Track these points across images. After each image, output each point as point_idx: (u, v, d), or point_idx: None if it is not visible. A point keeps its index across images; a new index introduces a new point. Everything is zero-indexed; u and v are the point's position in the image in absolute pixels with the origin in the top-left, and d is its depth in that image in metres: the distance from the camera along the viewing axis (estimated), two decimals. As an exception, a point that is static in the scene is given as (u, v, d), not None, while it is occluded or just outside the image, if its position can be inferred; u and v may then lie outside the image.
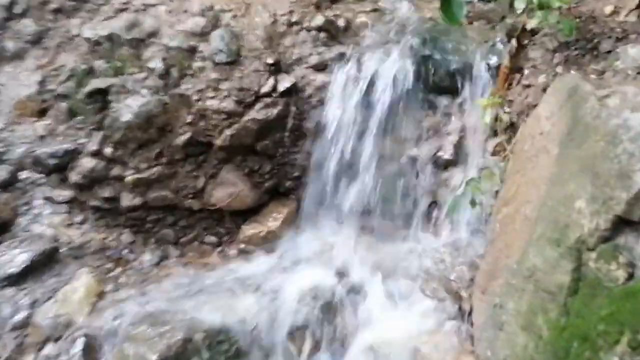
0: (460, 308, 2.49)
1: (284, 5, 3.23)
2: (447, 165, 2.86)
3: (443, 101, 2.93)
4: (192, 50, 3.07)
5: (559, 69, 2.49)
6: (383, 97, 2.97)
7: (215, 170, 3.12)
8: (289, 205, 3.16)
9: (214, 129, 3.02)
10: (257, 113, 2.99)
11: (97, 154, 3.04)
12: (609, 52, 2.37)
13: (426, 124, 2.95)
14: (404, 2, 3.38)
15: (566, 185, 1.89)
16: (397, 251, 2.89)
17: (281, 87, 3.01)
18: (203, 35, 3.11)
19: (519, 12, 2.56)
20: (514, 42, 2.73)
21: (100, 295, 2.80)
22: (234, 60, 3.04)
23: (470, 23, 3.14)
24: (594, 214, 1.72)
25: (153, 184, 3.07)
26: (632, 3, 2.52)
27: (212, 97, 3.01)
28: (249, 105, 3.00)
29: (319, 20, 3.13)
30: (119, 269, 3.01)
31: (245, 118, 2.99)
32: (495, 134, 2.71)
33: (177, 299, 2.75)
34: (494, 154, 2.72)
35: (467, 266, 2.50)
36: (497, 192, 2.59)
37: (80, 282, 2.81)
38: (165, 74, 3.03)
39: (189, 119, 3.02)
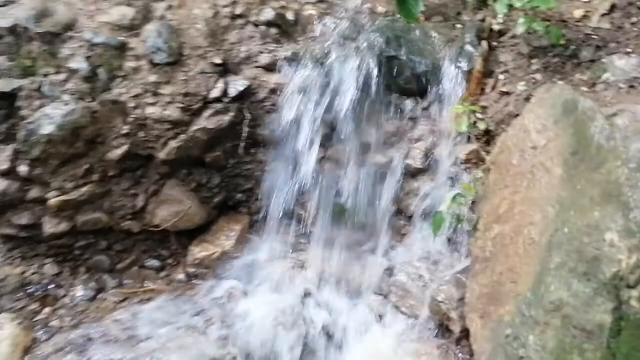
0: (447, 329, 2.37)
1: (225, -6, 2.85)
2: (416, 173, 2.70)
3: (409, 104, 2.76)
4: (122, 48, 2.63)
5: (538, 77, 2.41)
6: (344, 99, 2.74)
7: (156, 186, 2.73)
8: (241, 220, 2.86)
9: (156, 141, 2.62)
10: (207, 121, 2.63)
11: (8, 173, 2.53)
12: (592, 61, 2.32)
13: (392, 128, 2.77)
14: (351, -8, 3.13)
15: (588, 212, 1.80)
16: (367, 265, 2.72)
17: (233, 91, 2.67)
18: (133, 29, 2.67)
19: (500, 16, 2.42)
20: (484, 44, 2.61)
21: (30, 348, 2.35)
22: (176, 60, 2.64)
23: (427, 19, 2.97)
24: (632, 250, 1.65)
25: (82, 206, 2.62)
26: (602, 7, 2.49)
27: (152, 104, 2.60)
28: (197, 113, 2.64)
29: (268, 13, 2.81)
30: (47, 309, 2.56)
31: (194, 127, 2.62)
32: (468, 139, 2.59)
33: (127, 344, 2.37)
34: (466, 161, 2.61)
35: (454, 285, 2.37)
36: (473, 202, 2.49)
37: (2, 333, 2.34)
38: (91, 76, 2.56)
39: (125, 129, 2.59)
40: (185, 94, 2.61)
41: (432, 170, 2.69)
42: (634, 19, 2.37)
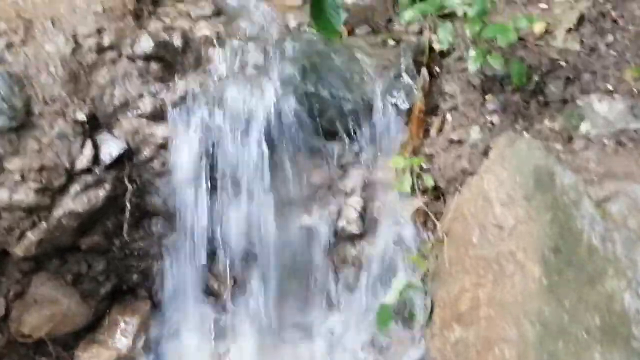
0: None
1: (87, 19, 2.16)
2: (352, 237, 2.17)
3: (336, 149, 2.20)
4: (-54, 109, 1.92)
5: (496, 120, 1.89)
6: (255, 149, 2.14)
7: (19, 286, 2.10)
8: (140, 308, 2.27)
9: (8, 234, 1.97)
10: (75, 202, 2.00)
11: None
12: (564, 101, 1.81)
13: (318, 179, 2.22)
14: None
15: (584, 352, 1.33)
16: (305, 354, 2.21)
17: (106, 157, 2.04)
18: (-40, 80, 1.95)
19: (444, 47, 1.86)
20: (425, 72, 2.05)
21: None
22: (24, 123, 1.97)
23: (351, 32, 2.38)
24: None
25: None
26: (567, 20, 1.96)
27: (-4, 186, 1.93)
28: (60, 192, 1.99)
29: (145, 42, 2.14)
30: None
31: (57, 212, 1.98)
32: (412, 191, 2.07)
33: None
34: (412, 221, 2.09)
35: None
36: (422, 278, 2.00)
37: None
38: None
39: (-39, 223, 1.92)
40: (41, 169, 1.95)
41: (371, 232, 2.16)
42: (609, 38, 1.87)
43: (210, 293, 2.33)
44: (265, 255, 2.24)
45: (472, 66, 1.74)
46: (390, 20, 2.44)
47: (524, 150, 1.68)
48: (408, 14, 1.85)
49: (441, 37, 1.82)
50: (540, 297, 1.49)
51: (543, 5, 2.11)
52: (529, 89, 1.87)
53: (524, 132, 1.76)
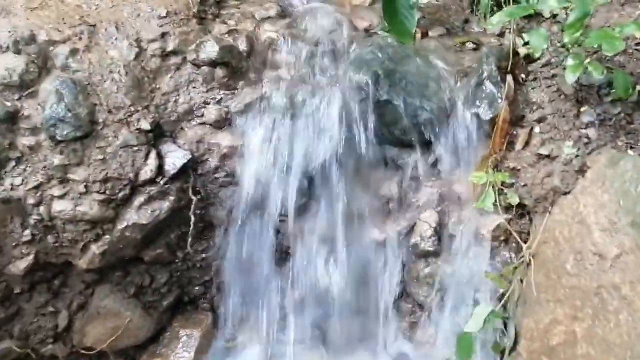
0: None
1: (151, 23, 2.08)
2: (425, 255, 2.03)
3: (410, 161, 2.06)
4: (13, 117, 1.88)
5: (592, 134, 1.71)
6: (323, 160, 2.03)
7: (83, 298, 2.05)
8: (201, 320, 2.20)
9: (72, 246, 1.92)
10: (139, 214, 1.93)
11: None
12: (674, 115, 1.62)
13: (388, 192, 2.09)
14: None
15: None
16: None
17: (171, 167, 1.96)
18: (26, 87, 1.92)
19: (537, 55, 1.69)
20: (510, 79, 1.88)
21: None
22: (88, 133, 1.91)
23: (425, 34, 2.23)
24: None
25: (-17, 337, 1.94)
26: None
27: (61, 197, 1.88)
28: (124, 204, 1.93)
29: (210, 47, 2.05)
30: None
31: (121, 225, 1.92)
32: (493, 207, 1.91)
33: None
34: (492, 239, 1.94)
35: None
36: (501, 297, 1.85)
37: None
38: (-31, 164, 1.84)
39: (27, 234, 1.88)
40: (105, 180, 1.89)
41: (446, 250, 2.02)
42: None
43: (273, 307, 2.23)
44: (328, 269, 2.13)
45: (570, 76, 1.57)
46: (467, 21, 2.28)
47: (630, 171, 1.51)
48: (496, 18, 1.68)
49: (534, 43, 1.66)
50: (654, 341, 1.33)
51: (643, 5, 1.91)
52: (632, 101, 1.68)
53: (629, 150, 1.58)
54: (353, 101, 2.01)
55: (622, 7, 1.94)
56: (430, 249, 2.00)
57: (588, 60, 1.61)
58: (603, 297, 1.47)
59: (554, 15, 2.04)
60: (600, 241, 1.51)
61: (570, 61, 1.58)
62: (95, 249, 1.92)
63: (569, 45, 1.63)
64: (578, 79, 1.73)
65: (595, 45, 1.55)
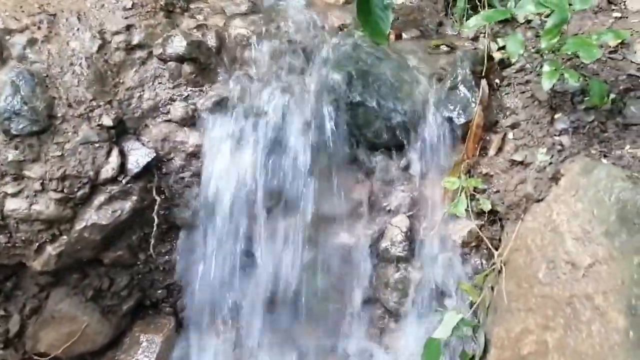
0: None
1: (116, 15, 1.99)
2: (396, 260, 1.99)
3: (381, 163, 2.02)
4: (-37, 110, 1.76)
5: (566, 141, 1.70)
6: (294, 161, 1.97)
7: (36, 301, 1.95)
8: (163, 325, 2.12)
9: (26, 246, 1.82)
10: (99, 214, 1.84)
11: None
12: (647, 125, 1.62)
13: (359, 195, 2.04)
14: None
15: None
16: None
17: (133, 166, 1.87)
18: (-21, 78, 1.80)
19: (513, 60, 1.67)
20: (484, 84, 1.86)
21: None
22: (46, 127, 1.81)
23: (399, 36, 2.19)
24: None
25: None
26: (646, 32, 1.76)
27: (15, 195, 1.78)
28: (83, 203, 1.83)
29: (178, 42, 1.97)
30: None
31: (80, 226, 1.82)
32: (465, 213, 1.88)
33: None
34: (463, 245, 1.91)
35: None
36: (471, 305, 1.83)
37: None
38: None
39: (-23, 234, 1.77)
40: (63, 178, 1.80)
41: (417, 255, 1.98)
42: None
43: (237, 311, 2.17)
44: (295, 274, 2.07)
45: (547, 83, 1.55)
46: (441, 24, 2.26)
47: (604, 180, 1.49)
48: (473, 22, 1.65)
49: (510, 49, 1.63)
50: (626, 352, 1.32)
51: (616, 14, 1.91)
52: (606, 109, 1.67)
53: (602, 159, 1.57)
54: (325, 101, 1.96)
55: (595, 15, 1.94)
56: (401, 254, 1.96)
57: (563, 67, 1.59)
58: (575, 307, 1.46)
59: (528, 21, 2.04)
60: (574, 250, 1.49)
61: (546, 68, 1.56)
62: (51, 250, 1.82)
63: (546, 52, 1.61)
64: (553, 85, 1.72)
65: (570, 52, 1.53)
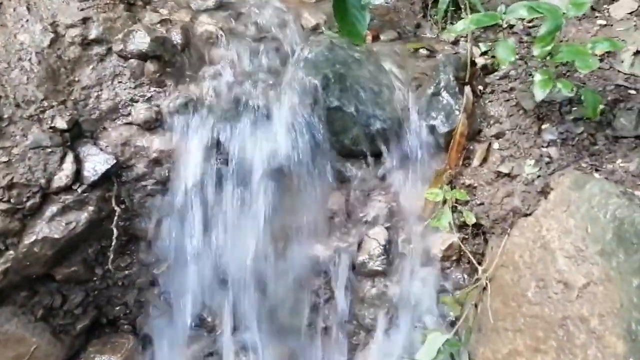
0: None
1: (70, 6, 1.82)
2: (373, 274, 1.89)
3: (358, 172, 1.92)
4: None
5: (554, 153, 1.63)
6: (263, 168, 1.84)
7: (-21, 322, 1.74)
8: (121, 344, 1.96)
9: (-33, 263, 1.62)
10: (50, 226, 1.66)
11: None
12: (638, 137, 1.56)
13: (335, 205, 1.93)
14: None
15: None
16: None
17: (90, 173, 1.71)
18: None
19: (503, 67, 1.59)
20: (468, 91, 1.78)
21: None
22: (-11, 130, 1.62)
23: (376, 37, 2.09)
24: None
25: None
26: (635, 42, 1.72)
27: (-46, 205, 1.58)
28: (33, 214, 1.66)
29: (140, 38, 1.81)
30: None
31: (29, 240, 1.64)
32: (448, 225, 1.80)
33: None
34: (443, 259, 1.83)
35: None
36: (453, 321, 1.75)
37: None
38: None
39: None
40: (10, 186, 1.61)
41: (395, 269, 1.89)
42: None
43: (205, 327, 2.02)
44: (261, 289, 1.95)
45: (540, 92, 1.47)
46: (419, 26, 2.17)
47: (597, 196, 1.43)
48: (460, 26, 1.56)
49: (501, 55, 1.55)
50: (625, 379, 1.25)
51: (600, 21, 1.86)
52: (595, 120, 1.61)
53: (594, 173, 1.51)
54: (300, 106, 1.84)
55: (579, 22, 1.88)
56: (379, 268, 1.87)
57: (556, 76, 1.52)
58: (569, 329, 1.39)
59: (511, 26, 1.96)
60: (566, 269, 1.42)
61: (538, 76, 1.48)
62: (-4, 266, 1.63)
63: (539, 59, 1.53)
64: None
65: (565, 61, 1.45)
